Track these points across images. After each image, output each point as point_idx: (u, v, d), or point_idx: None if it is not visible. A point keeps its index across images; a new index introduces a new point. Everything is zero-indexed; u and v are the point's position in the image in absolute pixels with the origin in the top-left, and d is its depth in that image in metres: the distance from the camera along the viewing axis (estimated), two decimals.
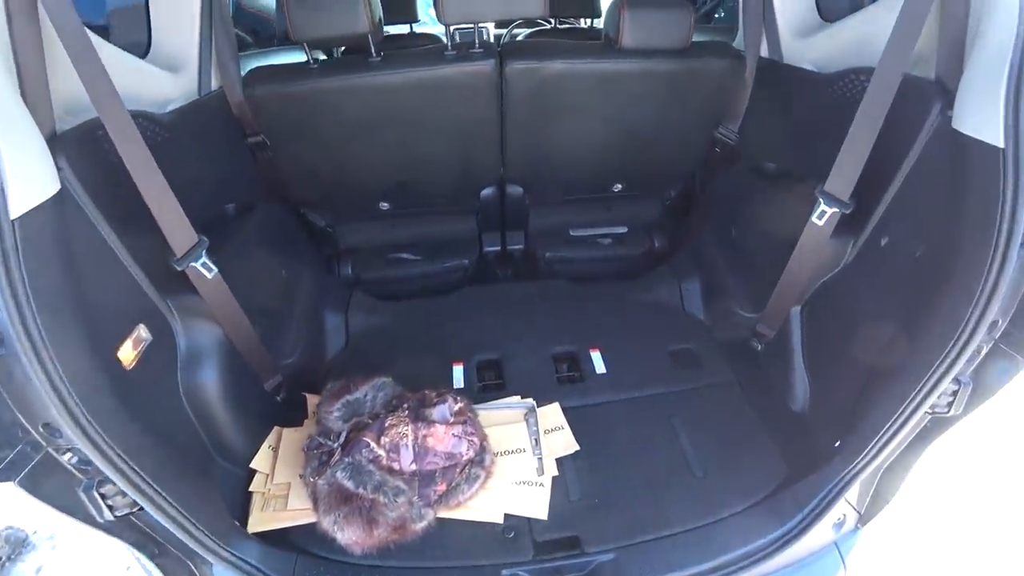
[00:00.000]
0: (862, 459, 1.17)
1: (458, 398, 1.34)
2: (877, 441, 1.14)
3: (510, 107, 1.62)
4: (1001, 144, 0.91)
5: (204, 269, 1.13)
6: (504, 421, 1.43)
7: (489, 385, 1.57)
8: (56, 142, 0.92)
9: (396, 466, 1.21)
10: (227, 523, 1.14)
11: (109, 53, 1.13)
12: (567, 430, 1.42)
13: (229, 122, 1.52)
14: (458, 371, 1.58)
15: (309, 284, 1.68)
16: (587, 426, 1.42)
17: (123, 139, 0.94)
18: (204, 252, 1.13)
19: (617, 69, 1.55)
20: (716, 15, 3.00)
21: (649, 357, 1.61)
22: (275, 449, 1.39)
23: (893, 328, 1.15)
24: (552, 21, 3.27)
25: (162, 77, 1.30)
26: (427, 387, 1.51)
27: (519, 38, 3.20)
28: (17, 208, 0.77)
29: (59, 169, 0.91)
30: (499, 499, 1.27)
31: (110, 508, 0.95)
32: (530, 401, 1.47)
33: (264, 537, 1.19)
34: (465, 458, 1.25)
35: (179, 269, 1.09)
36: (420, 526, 1.19)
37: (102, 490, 0.92)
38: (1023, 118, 0.89)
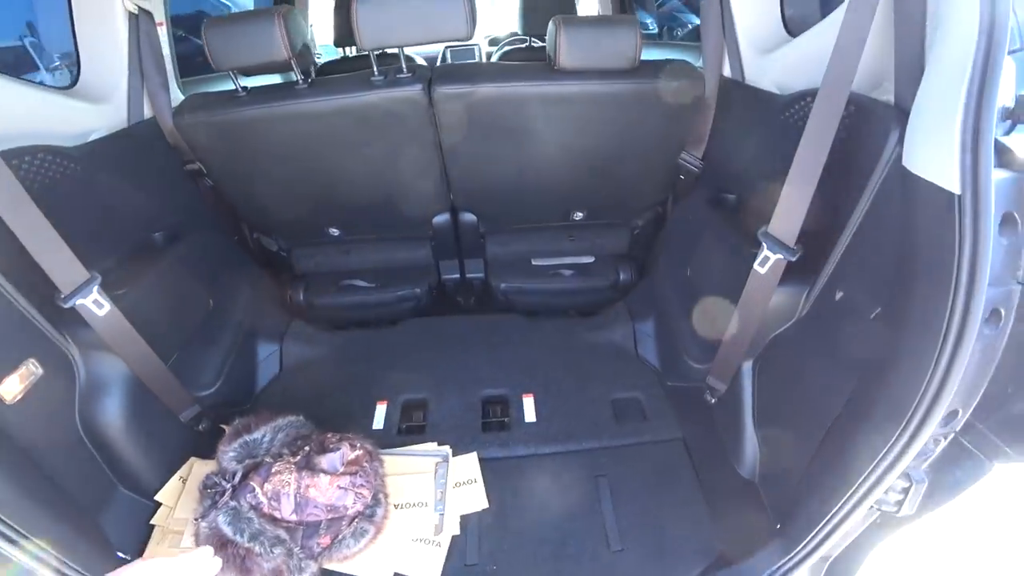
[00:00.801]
0: (801, 550, 1.02)
1: (358, 444, 1.28)
2: (817, 532, 0.99)
3: (445, 132, 1.53)
4: (956, 189, 0.74)
5: (94, 306, 1.12)
6: (412, 470, 1.35)
7: (412, 428, 1.49)
8: None
9: (277, 514, 1.16)
10: (108, 558, 1.13)
11: (12, 91, 1.16)
12: (480, 484, 1.32)
13: (163, 150, 1.53)
14: (381, 410, 1.51)
15: (243, 313, 1.67)
16: (504, 481, 1.32)
17: None
18: (95, 288, 1.11)
19: (557, 91, 1.42)
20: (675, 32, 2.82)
21: (588, 406, 1.48)
22: (185, 480, 1.37)
23: (841, 401, 0.99)
24: (527, 40, 3.14)
25: (80, 109, 1.31)
26: (345, 426, 1.46)
27: (493, 56, 3.11)
28: None
29: None
30: (389, 556, 1.19)
31: None
32: (445, 450, 1.39)
33: None
34: (351, 511, 1.18)
35: (64, 306, 1.08)
36: None
37: None
38: (983, 157, 0.72)
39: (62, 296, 1.09)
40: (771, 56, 1.31)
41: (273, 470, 1.19)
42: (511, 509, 1.27)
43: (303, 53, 1.43)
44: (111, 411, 1.24)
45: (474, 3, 1.35)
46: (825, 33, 1.13)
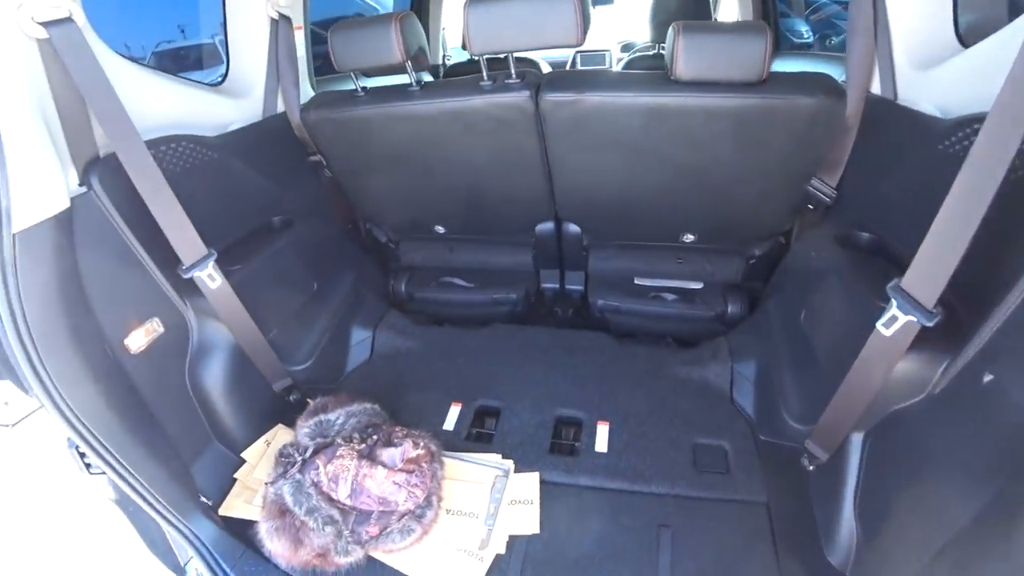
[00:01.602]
0: None
1: (421, 443, 1.29)
2: None
3: (551, 142, 1.49)
4: None
5: (208, 279, 1.25)
6: (471, 478, 1.34)
7: (481, 434, 1.48)
8: (95, 164, 1.11)
9: (334, 495, 1.21)
10: (192, 501, 1.25)
11: (165, 86, 1.33)
12: (535, 506, 1.27)
13: (291, 142, 1.67)
14: (454, 411, 1.52)
15: (344, 298, 1.77)
16: (561, 509, 1.26)
17: (135, 168, 1.08)
18: (211, 263, 1.24)
19: (670, 103, 1.32)
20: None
21: (666, 446, 1.36)
22: (269, 444, 1.49)
23: (970, 511, 0.78)
24: (655, 46, 2.94)
25: (225, 103, 1.48)
26: (417, 422, 1.49)
27: (620, 64, 2.97)
28: (20, 223, 0.94)
29: (89, 187, 1.09)
30: (430, 561, 1.19)
31: (87, 466, 1.14)
32: (508, 464, 1.35)
33: (228, 522, 1.29)
34: (402, 507, 1.20)
35: (184, 277, 1.22)
36: (345, 560, 1.17)
37: (81, 449, 1.09)
38: None
39: (183, 267, 1.22)
40: (934, 71, 1.09)
41: (338, 453, 1.24)
42: (562, 540, 1.20)
43: (418, 56, 1.47)
44: (215, 372, 1.38)
45: (587, 10, 1.29)
46: (1008, 43, 0.91)
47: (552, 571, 1.14)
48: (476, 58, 1.41)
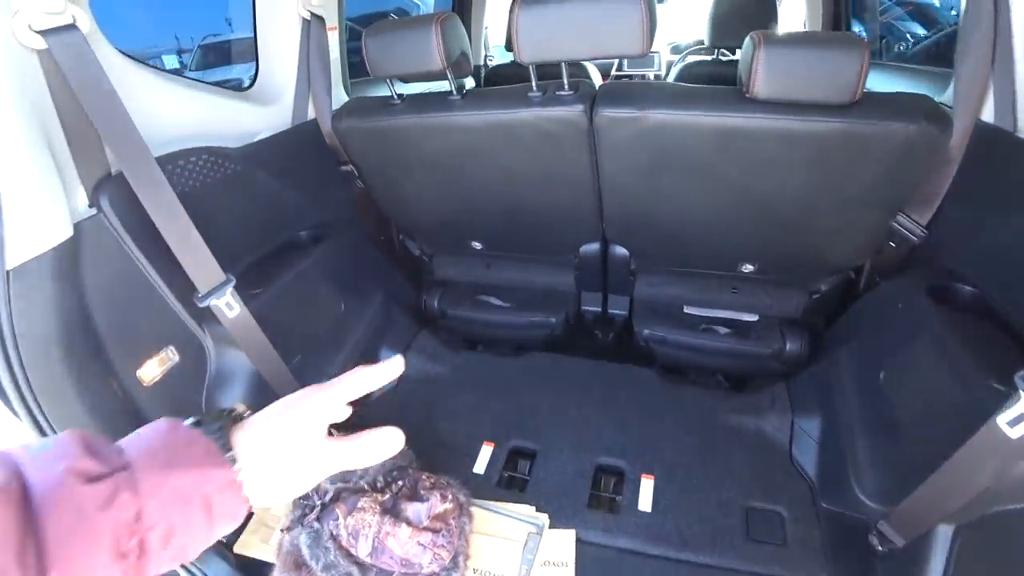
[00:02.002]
0: None
1: (449, 495, 1.18)
2: None
3: (604, 160, 1.35)
4: None
5: (226, 307, 1.15)
6: (502, 533, 1.22)
7: (513, 479, 1.36)
8: (106, 183, 1.01)
9: (353, 551, 1.11)
10: None
11: (186, 95, 1.23)
12: (571, 570, 1.15)
13: (321, 150, 1.56)
14: (486, 452, 1.40)
15: (373, 317, 1.66)
16: (597, 574, 1.13)
17: (145, 190, 0.97)
18: (229, 291, 1.15)
19: (743, 125, 1.16)
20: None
21: (717, 509, 1.22)
22: None
23: None
24: (714, 52, 2.72)
25: (251, 111, 1.37)
26: (446, 461, 1.38)
27: (673, 69, 2.76)
28: (14, 260, 0.85)
29: (99, 208, 1.00)
30: None
31: None
32: (542, 519, 1.23)
33: (243, 561, 1.20)
34: (426, 570, 1.09)
35: (200, 305, 1.13)
36: None
37: None
38: None
39: (198, 295, 1.13)
40: None
41: (359, 505, 1.14)
42: None
43: (460, 62, 1.34)
44: (232, 402, 1.29)
45: (654, 15, 1.14)
46: None
47: None
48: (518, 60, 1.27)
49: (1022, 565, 0.82)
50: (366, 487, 1.21)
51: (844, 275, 1.52)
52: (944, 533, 0.93)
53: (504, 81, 1.55)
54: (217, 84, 1.43)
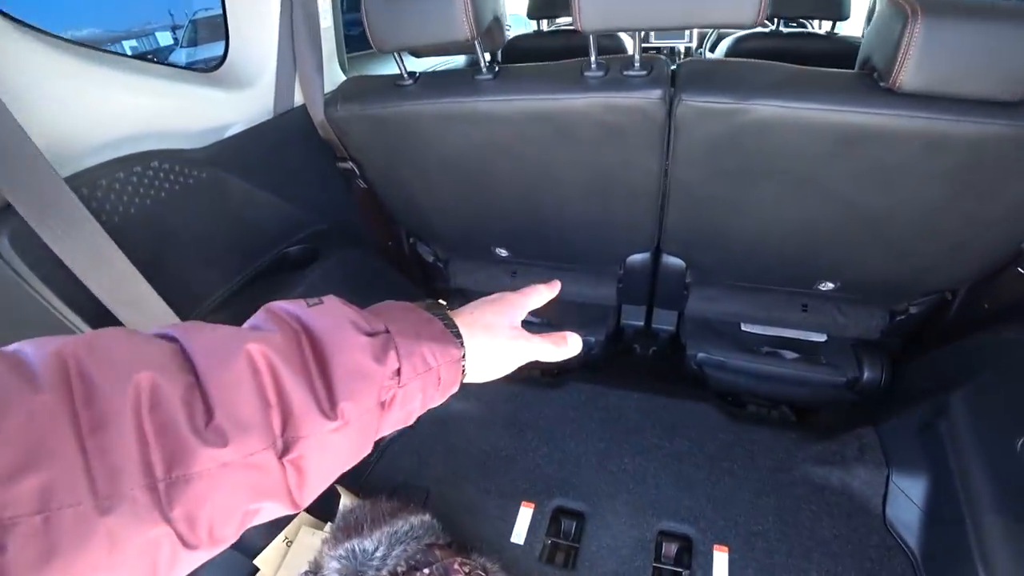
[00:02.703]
0: None
1: None
2: None
3: (679, 162, 1.07)
4: None
5: None
6: None
7: (559, 547, 1.14)
8: (5, 215, 0.71)
9: None
10: None
11: (134, 82, 0.91)
12: None
13: (314, 145, 1.25)
14: (525, 515, 1.17)
15: None
16: None
17: (52, 223, 0.68)
18: None
19: (878, 125, 0.88)
20: None
21: None
22: (290, 543, 1.18)
23: None
24: (774, 22, 2.24)
25: (216, 98, 1.05)
26: (478, 529, 1.16)
27: (722, 45, 2.39)
28: None
29: None
30: None
31: None
32: None
33: None
34: None
35: None
36: None
37: None
38: None
39: None
40: None
41: None
42: None
43: (492, 30, 1.03)
44: None
45: None
46: None
47: None
48: (542, 30, 0.96)
49: None
50: None
51: (940, 296, 1.29)
52: None
53: (526, 57, 1.24)
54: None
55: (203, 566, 0.90)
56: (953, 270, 1.17)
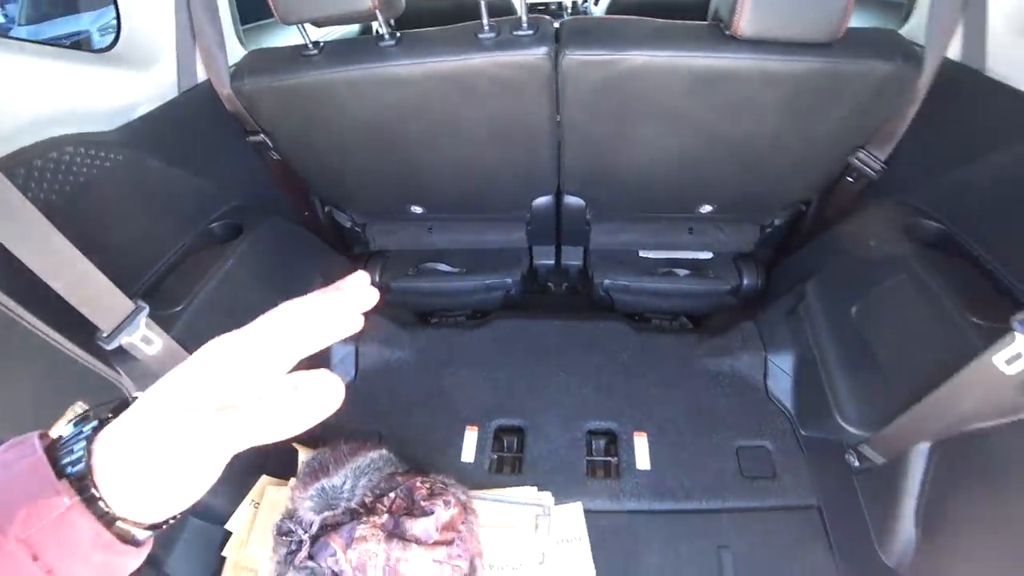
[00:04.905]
0: None
1: (452, 500, 1.10)
2: None
3: (568, 108, 1.22)
4: None
5: (143, 343, 0.93)
6: (510, 522, 1.18)
7: (505, 459, 1.31)
8: None
9: None
10: None
11: (33, 62, 0.90)
12: (585, 543, 1.15)
13: (221, 120, 1.27)
14: (471, 437, 1.33)
15: None
16: (612, 541, 1.14)
17: None
18: (142, 321, 0.92)
19: (724, 66, 1.08)
20: None
21: (710, 454, 1.26)
22: (257, 505, 1.25)
23: None
24: None
25: (121, 77, 1.06)
26: (430, 456, 1.29)
27: (599, 4, 2.57)
28: None
29: None
30: None
31: None
32: (547, 498, 1.21)
33: None
34: None
35: (107, 348, 0.89)
36: None
37: None
38: None
39: (104, 335, 0.89)
40: None
41: (357, 534, 1.03)
42: None
43: (389, 2, 1.11)
44: None
45: None
46: None
47: None
48: None
49: (995, 475, 0.91)
50: (356, 508, 1.10)
51: (796, 208, 1.56)
52: (922, 449, 1.02)
53: (419, 21, 1.32)
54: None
55: (176, 539, 0.97)
56: (801, 183, 1.43)
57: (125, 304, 0.89)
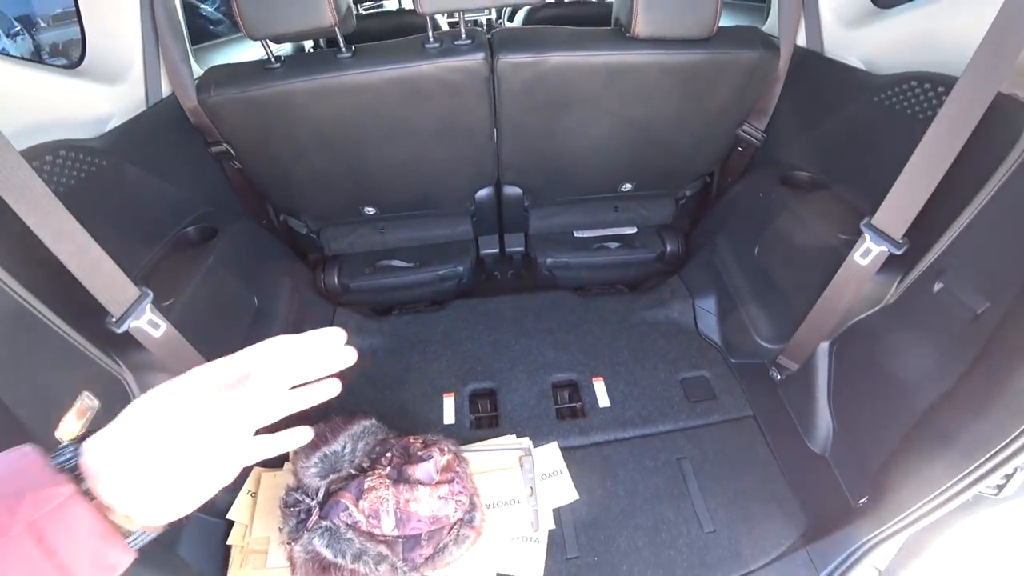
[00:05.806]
0: (891, 526, 1.05)
1: (445, 448, 1.23)
2: (911, 513, 1.01)
3: (504, 105, 1.42)
4: None
5: (150, 326, 0.99)
6: (498, 466, 1.32)
7: (483, 419, 1.46)
8: None
9: (377, 532, 1.11)
10: None
11: (9, 74, 0.96)
12: (566, 475, 1.31)
13: (186, 132, 1.35)
14: (449, 403, 1.46)
15: (288, 307, 1.55)
16: (588, 470, 1.32)
17: (17, 197, 0.78)
18: (148, 306, 0.98)
19: (629, 61, 1.33)
20: None
21: (658, 387, 1.48)
22: (254, 495, 1.30)
23: (935, 391, 1.00)
24: None
25: (96, 92, 1.12)
26: (415, 424, 1.41)
27: (518, 15, 2.88)
28: None
29: None
30: (491, 558, 1.18)
31: None
32: (526, 442, 1.36)
33: None
34: (453, 519, 1.15)
35: (118, 331, 0.95)
36: None
37: None
38: None
39: (114, 319, 0.96)
40: (858, 30, 1.25)
41: (366, 485, 1.13)
42: (601, 498, 1.27)
43: (347, 17, 1.26)
44: None
45: None
46: (936, 15, 1.08)
47: (603, 528, 1.22)
48: (383, 8, 1.25)
49: (879, 357, 1.17)
50: (356, 472, 1.20)
51: (702, 180, 1.85)
52: (823, 349, 1.28)
53: (367, 37, 1.48)
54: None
55: (181, 533, 1.04)
56: (704, 156, 1.72)
57: (132, 290, 0.96)
